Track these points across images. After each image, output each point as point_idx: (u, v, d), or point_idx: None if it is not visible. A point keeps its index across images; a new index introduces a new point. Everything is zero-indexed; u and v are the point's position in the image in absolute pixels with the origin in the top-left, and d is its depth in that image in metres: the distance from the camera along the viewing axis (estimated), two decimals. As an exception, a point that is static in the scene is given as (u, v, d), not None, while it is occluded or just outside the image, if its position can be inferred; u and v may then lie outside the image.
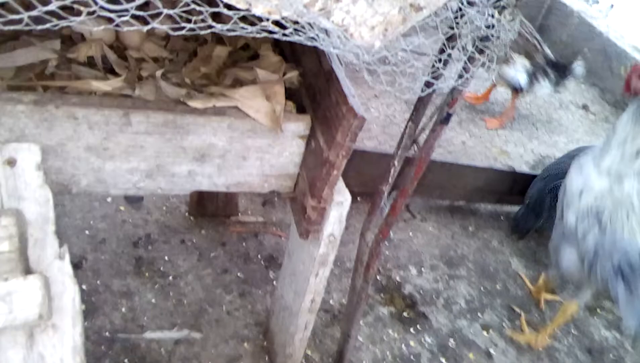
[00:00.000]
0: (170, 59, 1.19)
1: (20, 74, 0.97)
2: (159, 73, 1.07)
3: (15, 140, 0.88)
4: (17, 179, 0.84)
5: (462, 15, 0.71)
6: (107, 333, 1.50)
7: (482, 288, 2.06)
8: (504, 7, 0.73)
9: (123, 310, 1.58)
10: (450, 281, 2.05)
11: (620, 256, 1.60)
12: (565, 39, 3.98)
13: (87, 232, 1.78)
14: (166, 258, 1.78)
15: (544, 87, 2.82)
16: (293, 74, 1.15)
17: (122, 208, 1.91)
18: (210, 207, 1.96)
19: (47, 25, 0.52)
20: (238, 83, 1.13)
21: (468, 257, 2.18)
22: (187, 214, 1.96)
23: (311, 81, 1.15)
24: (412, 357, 1.72)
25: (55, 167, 0.95)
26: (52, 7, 0.50)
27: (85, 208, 1.85)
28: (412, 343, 1.76)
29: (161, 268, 1.74)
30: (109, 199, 1.91)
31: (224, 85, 1.12)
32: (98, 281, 1.63)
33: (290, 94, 1.12)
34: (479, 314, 1.95)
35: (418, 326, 1.83)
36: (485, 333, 1.89)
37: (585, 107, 3.57)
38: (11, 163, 0.84)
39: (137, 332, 1.53)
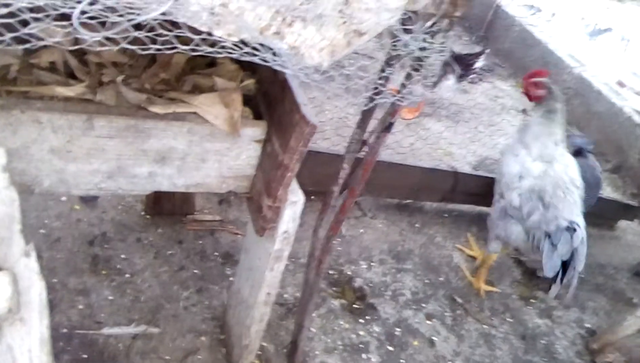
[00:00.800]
0: (130, 65, 1.23)
1: (-18, 78, 0.99)
2: (119, 79, 1.12)
3: (-20, 143, 0.91)
4: (-18, 181, 0.87)
5: (399, 40, 0.81)
6: (64, 330, 1.52)
7: (426, 280, 2.21)
8: (436, 33, 0.84)
9: (80, 307, 1.60)
10: (398, 275, 2.18)
11: (555, 224, 1.93)
12: (508, 46, 4.23)
13: (41, 231, 1.78)
14: (122, 256, 1.81)
15: (450, 81, 3.11)
16: (250, 82, 1.23)
17: (76, 206, 1.92)
18: (166, 205, 1.99)
19: (27, 46, 0.58)
20: (197, 89, 1.19)
21: (414, 252, 2.33)
22: (143, 212, 1.99)
23: (267, 89, 1.23)
24: (361, 345, 1.83)
25: (18, 168, 0.98)
26: (34, 29, 0.56)
27: (40, 207, 1.85)
28: (361, 332, 1.88)
29: (118, 266, 1.77)
30: (63, 198, 1.91)
31: (183, 91, 1.18)
32: (54, 280, 1.64)
33: (247, 101, 1.20)
34: (423, 305, 2.09)
35: (367, 317, 1.95)
36: (428, 322, 2.03)
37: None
38: (-24, 165, 0.87)
39: (95, 328, 1.56)
